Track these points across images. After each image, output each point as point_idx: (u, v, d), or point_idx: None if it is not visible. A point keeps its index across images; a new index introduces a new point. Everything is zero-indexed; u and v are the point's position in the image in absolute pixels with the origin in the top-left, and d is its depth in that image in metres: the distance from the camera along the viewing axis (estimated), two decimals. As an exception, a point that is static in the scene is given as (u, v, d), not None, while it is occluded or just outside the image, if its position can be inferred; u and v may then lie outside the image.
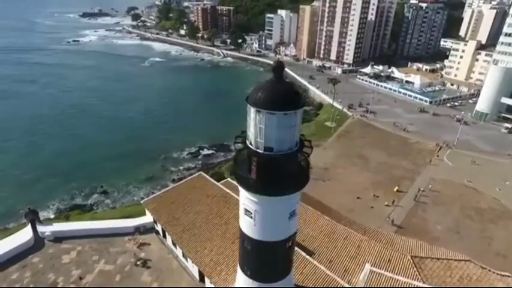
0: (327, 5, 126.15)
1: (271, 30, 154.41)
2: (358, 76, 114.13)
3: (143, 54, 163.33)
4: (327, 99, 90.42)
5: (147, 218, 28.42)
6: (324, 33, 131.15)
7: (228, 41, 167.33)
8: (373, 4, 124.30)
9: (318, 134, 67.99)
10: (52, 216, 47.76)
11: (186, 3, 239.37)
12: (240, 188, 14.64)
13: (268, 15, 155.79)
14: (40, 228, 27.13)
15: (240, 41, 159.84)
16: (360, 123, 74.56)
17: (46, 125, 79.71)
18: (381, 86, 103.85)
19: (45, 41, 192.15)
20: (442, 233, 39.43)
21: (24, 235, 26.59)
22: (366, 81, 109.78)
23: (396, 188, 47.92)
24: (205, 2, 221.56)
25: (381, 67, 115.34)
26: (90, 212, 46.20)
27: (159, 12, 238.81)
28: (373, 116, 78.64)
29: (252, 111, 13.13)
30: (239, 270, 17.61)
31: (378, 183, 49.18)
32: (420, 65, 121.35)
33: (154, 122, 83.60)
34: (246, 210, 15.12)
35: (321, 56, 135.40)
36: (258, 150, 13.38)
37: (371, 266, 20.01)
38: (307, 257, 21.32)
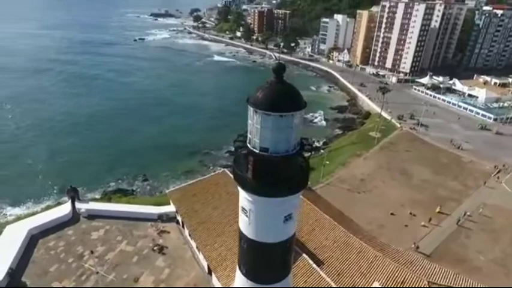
0: (386, 10, 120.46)
1: (325, 35, 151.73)
2: (414, 86, 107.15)
3: (199, 53, 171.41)
4: (376, 108, 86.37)
5: (171, 208, 29.91)
6: (381, 40, 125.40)
7: (281, 44, 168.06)
8: (438, 10, 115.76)
9: (360, 143, 65.38)
10: (98, 196, 52.34)
11: (244, 6, 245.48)
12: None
13: (324, 19, 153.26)
14: (78, 205, 30.04)
15: (292, 44, 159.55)
16: (408, 136, 69.98)
17: (106, 113, 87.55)
18: (439, 98, 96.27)
19: (114, 37, 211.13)
20: (484, 264, 35.46)
21: (64, 209, 29.69)
22: (422, 92, 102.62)
23: (438, 208, 44.13)
24: (263, 6, 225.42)
25: (441, 78, 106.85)
26: (129, 196, 49.71)
27: (219, 14, 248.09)
28: (425, 130, 73.31)
29: (250, 111, 13.29)
30: (237, 268, 17.83)
31: (417, 201, 45.80)
32: (488, 78, 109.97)
33: (201, 117, 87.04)
34: (243, 208, 15.28)
35: (376, 63, 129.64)
36: (254, 149, 13.50)
37: (380, 285, 18.92)
38: (314, 266, 20.81)
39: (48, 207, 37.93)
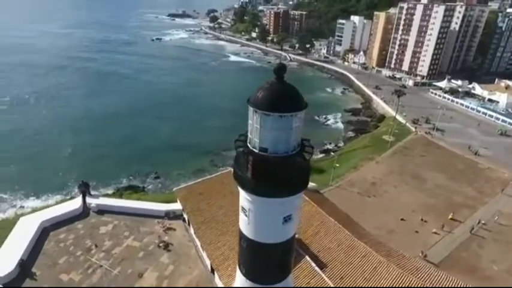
0: (404, 12, 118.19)
1: (341, 37, 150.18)
2: (431, 90, 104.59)
3: (215, 53, 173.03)
4: (391, 111, 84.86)
5: (178, 205, 30.27)
6: (398, 42, 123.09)
7: (297, 45, 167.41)
8: (459, 12, 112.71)
9: (372, 146, 64.36)
10: (110, 192, 53.54)
11: (260, 7, 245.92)
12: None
13: (340, 20, 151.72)
14: (88, 200, 30.80)
15: (308, 45, 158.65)
16: (422, 140, 68.40)
17: (122, 110, 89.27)
18: (457, 102, 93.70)
19: (133, 37, 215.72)
20: (498, 274, 34.27)
21: (75, 204, 30.50)
22: (440, 96, 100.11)
23: (451, 215, 42.93)
24: (279, 6, 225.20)
25: (459, 82, 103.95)
26: (140, 193, 50.58)
27: (235, 15, 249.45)
28: (441, 135, 71.48)
29: (250, 111, 13.33)
30: (237, 268, 17.88)
31: (429, 207, 44.70)
32: (510, 83, 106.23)
33: (215, 117, 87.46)
34: (243, 208, 15.33)
35: (392, 66, 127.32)
36: (254, 149, 13.53)
37: (382, 291, 18.59)
38: (317, 268, 20.65)
39: (62, 201, 39.01)
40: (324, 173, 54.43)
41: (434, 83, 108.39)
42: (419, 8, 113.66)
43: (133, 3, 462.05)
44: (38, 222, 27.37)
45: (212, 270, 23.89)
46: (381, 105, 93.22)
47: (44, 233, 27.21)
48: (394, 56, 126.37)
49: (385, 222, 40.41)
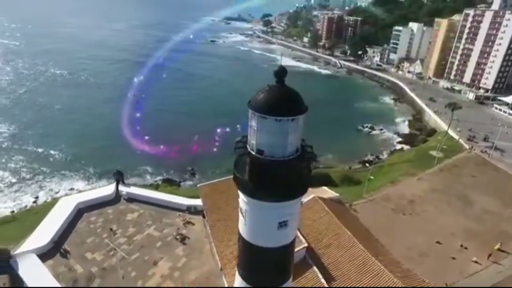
0: (470, 19, 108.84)
1: (396, 44, 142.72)
2: (495, 105, 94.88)
3: (265, 57, 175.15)
4: (444, 125, 78.61)
5: (200, 201, 31.21)
6: (460, 52, 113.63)
7: (348, 51, 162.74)
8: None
9: (416, 161, 60.19)
10: (149, 183, 56.87)
11: (315, 13, 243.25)
12: (236, 186, 15.05)
13: (397, 27, 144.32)
14: (121, 188, 33.11)
15: (360, 52, 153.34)
16: (476, 159, 62.25)
17: (178, 103, 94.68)
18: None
19: (189, 38, 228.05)
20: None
21: (108, 190, 32.99)
22: (505, 112, 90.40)
23: (498, 245, 38.43)
24: (334, 12, 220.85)
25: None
26: (174, 187, 52.99)
27: (288, 20, 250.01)
28: (500, 155, 64.45)
29: (249, 112, 13.41)
30: (236, 268, 17.99)
31: (472, 233, 40.51)
32: None
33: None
34: (241, 208, 15.46)
35: (452, 77, 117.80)
36: (251, 151, 13.57)
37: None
38: (323, 280, 20.01)
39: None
40: (359, 184, 52.33)
41: (499, 98, 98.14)
42: (488, 15, 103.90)
43: (193, 7, 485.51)
44: (74, 203, 30.13)
45: (222, 268, 24.25)
46: (433, 118, 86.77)
47: (78, 213, 29.85)
48: (455, 67, 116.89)
49: (418, 243, 37.51)
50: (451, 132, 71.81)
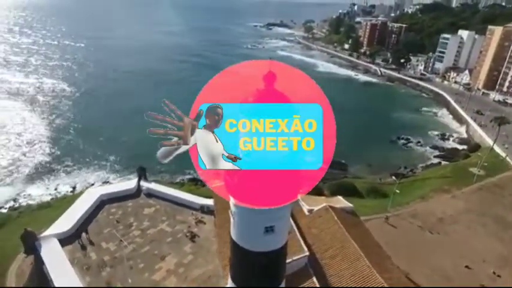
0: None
1: (443, 53, 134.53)
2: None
3: (304, 62, 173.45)
4: (489, 141, 72.60)
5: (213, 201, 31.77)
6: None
7: (390, 59, 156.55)
8: None
9: (452, 178, 56.11)
10: (175, 181, 58.87)
11: (358, 19, 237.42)
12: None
13: (444, 35, 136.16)
14: (142, 183, 34.74)
15: (402, 60, 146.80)
16: (523, 180, 56.71)
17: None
18: None
19: (232, 42, 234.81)
20: None
21: (130, 184, 34.76)
22: None
23: (538, 276, 34.72)
24: (378, 18, 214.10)
25: None
26: (197, 186, 54.32)
27: (330, 26, 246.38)
28: (553, 177, 58.12)
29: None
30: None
31: (508, 260, 36.88)
32: None
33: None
34: (230, 210, 15.63)
35: (505, 89, 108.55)
36: (239, 152, 13.69)
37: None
38: (320, 293, 19.42)
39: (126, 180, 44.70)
40: (386, 197, 50.04)
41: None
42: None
43: (237, 13, 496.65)
44: (98, 194, 32.17)
45: (223, 269, 24.48)
46: (479, 132, 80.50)
47: (101, 204, 31.79)
48: (509, 78, 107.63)
49: (443, 265, 34.96)
50: (496, 149, 66.12)
